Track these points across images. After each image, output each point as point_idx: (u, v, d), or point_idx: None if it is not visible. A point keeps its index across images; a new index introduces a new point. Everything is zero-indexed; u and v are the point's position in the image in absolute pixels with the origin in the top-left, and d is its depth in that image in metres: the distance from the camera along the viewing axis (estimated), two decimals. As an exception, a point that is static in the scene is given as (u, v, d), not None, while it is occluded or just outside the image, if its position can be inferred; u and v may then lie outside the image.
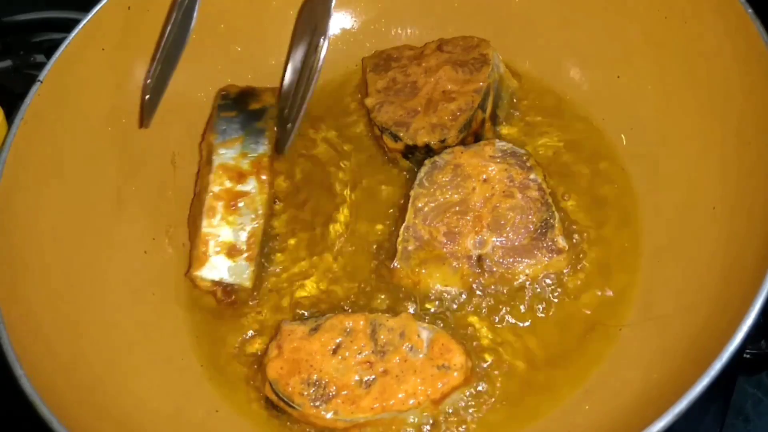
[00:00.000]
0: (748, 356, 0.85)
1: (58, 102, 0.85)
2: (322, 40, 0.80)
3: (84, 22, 0.87)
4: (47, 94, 0.83)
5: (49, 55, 0.86)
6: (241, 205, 0.85)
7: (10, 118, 0.87)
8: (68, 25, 0.88)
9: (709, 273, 0.75)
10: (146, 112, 0.86)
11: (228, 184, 0.85)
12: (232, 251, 0.84)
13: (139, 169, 0.92)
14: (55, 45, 0.86)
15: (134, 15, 0.91)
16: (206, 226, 0.83)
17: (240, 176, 0.86)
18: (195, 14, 0.81)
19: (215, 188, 0.85)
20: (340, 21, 1.05)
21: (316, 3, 0.85)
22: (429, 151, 0.89)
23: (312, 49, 0.83)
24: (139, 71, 0.93)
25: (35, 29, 1.18)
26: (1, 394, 0.73)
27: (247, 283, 0.84)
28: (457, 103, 0.89)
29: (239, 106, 0.92)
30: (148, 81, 0.85)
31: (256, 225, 0.85)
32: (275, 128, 0.90)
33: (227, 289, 0.84)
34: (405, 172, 0.93)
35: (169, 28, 0.85)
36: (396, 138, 0.90)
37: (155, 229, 0.91)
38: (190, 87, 0.97)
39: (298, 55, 0.85)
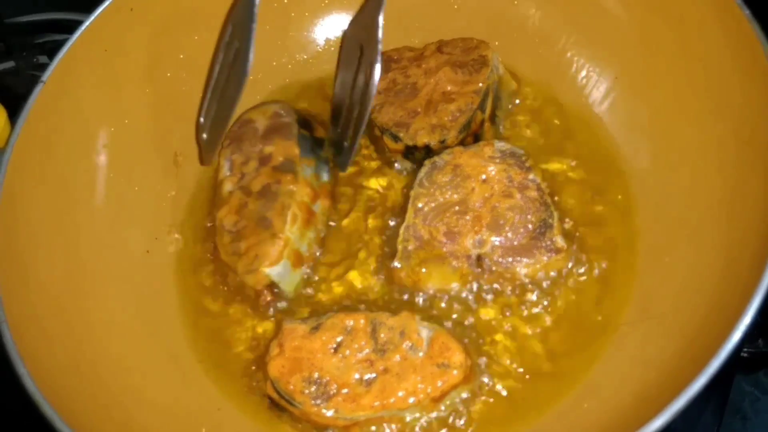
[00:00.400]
0: (745, 355, 0.86)
1: (61, 103, 0.85)
2: (374, 62, 0.81)
3: (87, 23, 0.88)
4: (50, 95, 0.84)
5: (51, 56, 0.86)
6: (312, 221, 0.88)
7: (13, 118, 0.88)
8: (71, 27, 0.88)
9: (708, 272, 0.75)
10: (205, 151, 0.90)
11: (306, 198, 0.88)
12: (298, 260, 0.86)
13: (141, 168, 0.92)
14: (57, 46, 0.86)
15: (137, 16, 0.91)
16: (289, 230, 0.84)
17: (314, 195, 0.89)
18: (251, 56, 0.82)
19: (299, 198, 0.87)
20: (340, 21, 1.05)
21: (362, 24, 0.85)
22: (429, 152, 0.89)
23: (362, 71, 0.83)
24: (142, 72, 0.93)
25: (38, 30, 1.19)
26: (3, 392, 0.74)
27: (291, 295, 0.86)
28: (457, 104, 0.90)
29: (309, 129, 0.94)
30: (201, 119, 0.89)
31: (315, 245, 0.88)
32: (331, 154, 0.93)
33: (276, 292, 0.85)
34: (405, 172, 0.93)
35: (218, 67, 0.87)
36: (396, 138, 0.91)
37: (157, 228, 0.92)
38: (193, 87, 0.98)
39: (348, 76, 0.86)
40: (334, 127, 0.89)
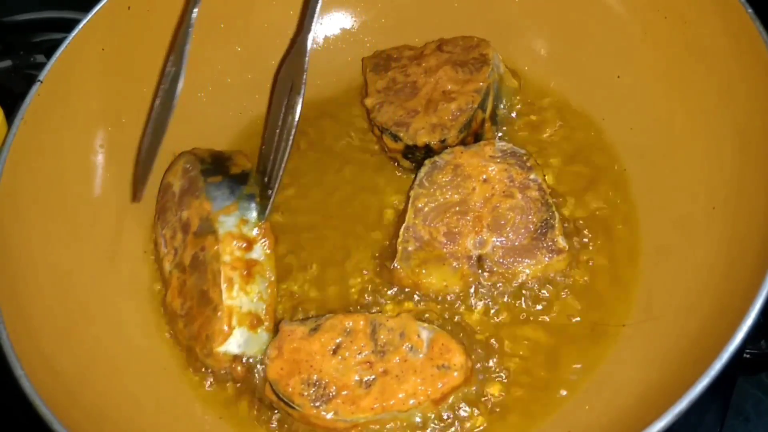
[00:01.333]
0: (748, 356, 0.85)
1: (58, 102, 0.85)
2: (297, 97, 0.79)
3: (84, 22, 0.87)
4: (47, 94, 0.83)
5: (49, 55, 0.86)
6: (254, 273, 0.81)
7: (10, 117, 0.87)
8: (68, 25, 0.88)
9: (709, 273, 0.75)
10: (134, 185, 0.85)
11: (237, 253, 0.80)
12: (253, 323, 0.79)
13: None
14: (55, 45, 0.86)
15: (134, 15, 0.91)
16: (227, 299, 0.78)
17: (248, 244, 0.82)
18: (181, 81, 0.80)
19: (227, 258, 0.80)
20: (340, 21, 1.05)
21: (293, 60, 0.84)
22: (429, 151, 0.89)
23: (289, 108, 0.81)
24: (140, 71, 0.93)
25: (35, 29, 1.18)
26: (1, 395, 0.73)
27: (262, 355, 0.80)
28: (457, 103, 0.89)
29: (221, 170, 0.86)
30: (142, 155, 0.84)
31: (270, 292, 0.82)
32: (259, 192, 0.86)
33: (246, 363, 0.79)
34: (405, 172, 0.93)
35: (158, 100, 0.83)
36: (396, 138, 0.90)
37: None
38: (191, 87, 0.97)
39: (276, 116, 0.83)
40: (261, 177, 0.85)
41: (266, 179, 0.84)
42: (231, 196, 0.84)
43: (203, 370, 0.81)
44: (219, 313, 0.77)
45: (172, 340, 0.84)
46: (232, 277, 0.79)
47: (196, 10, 0.82)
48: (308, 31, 0.84)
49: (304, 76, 0.81)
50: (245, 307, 0.79)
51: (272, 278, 0.82)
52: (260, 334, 0.80)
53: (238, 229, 0.82)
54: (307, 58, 0.82)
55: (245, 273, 0.80)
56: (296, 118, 0.80)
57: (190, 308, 0.81)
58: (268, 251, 0.83)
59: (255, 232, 0.83)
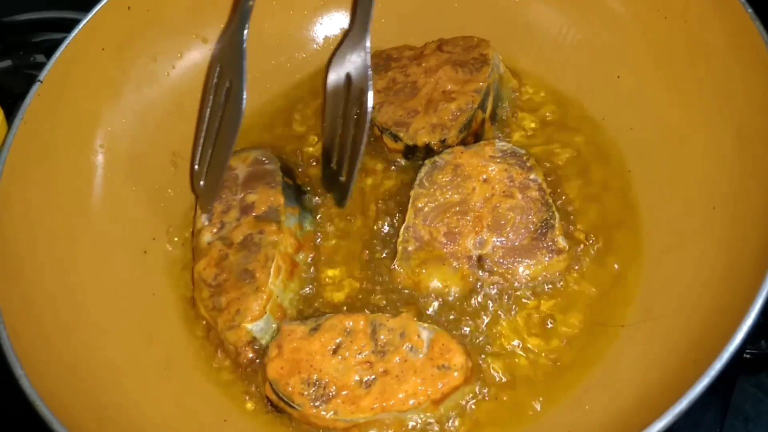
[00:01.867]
0: (748, 356, 0.85)
1: (58, 102, 0.85)
2: (366, 93, 0.79)
3: (84, 22, 0.87)
4: (47, 94, 0.83)
5: (49, 55, 0.86)
6: (295, 273, 0.85)
7: (9, 117, 0.87)
8: (68, 25, 0.88)
9: (710, 273, 0.75)
10: (204, 198, 0.86)
11: (290, 249, 0.85)
12: (279, 315, 0.82)
13: (139, 168, 0.92)
14: (55, 45, 0.86)
15: (134, 15, 0.91)
16: (271, 283, 0.81)
17: (298, 247, 0.86)
18: (244, 96, 0.80)
19: (282, 248, 0.83)
20: (339, 21, 1.05)
21: (348, 51, 0.84)
22: (429, 151, 0.89)
23: (353, 102, 0.82)
24: (138, 72, 0.93)
25: (35, 29, 1.18)
26: (1, 394, 0.73)
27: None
28: (457, 103, 0.89)
29: (293, 176, 0.92)
30: (196, 166, 0.86)
31: (297, 298, 0.85)
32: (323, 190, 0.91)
33: (256, 349, 0.81)
34: (405, 173, 0.93)
35: (208, 110, 0.85)
36: (396, 138, 0.90)
37: (155, 229, 0.91)
38: (192, 87, 0.97)
39: (337, 109, 0.84)
40: (327, 164, 0.87)
41: (334, 167, 0.85)
42: (296, 202, 0.89)
43: (218, 351, 0.83)
44: (260, 293, 0.80)
45: (171, 340, 0.84)
46: (282, 267, 0.83)
47: (247, 26, 0.83)
48: (366, 27, 0.83)
49: (369, 72, 0.81)
50: (281, 299, 0.82)
51: (305, 286, 0.86)
52: (275, 327, 0.82)
53: (295, 229, 0.86)
54: (369, 55, 0.82)
55: (290, 270, 0.84)
56: (369, 112, 0.79)
57: (225, 281, 0.82)
58: (309, 261, 0.87)
59: (301, 237, 0.87)
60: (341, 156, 0.84)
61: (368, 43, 0.82)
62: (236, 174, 0.90)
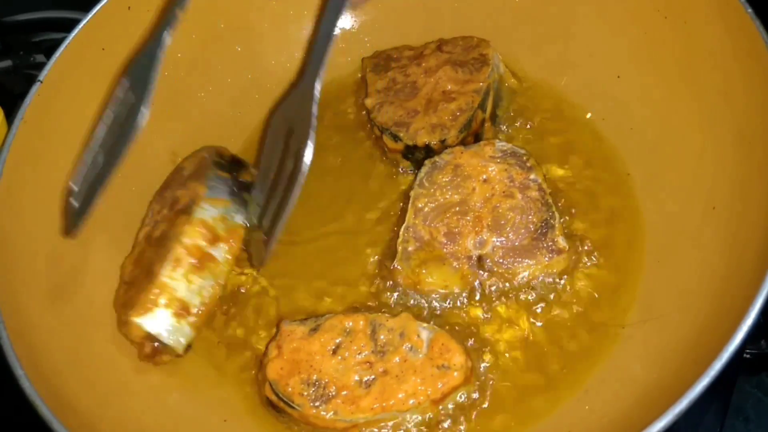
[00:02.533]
0: (748, 356, 0.85)
1: (58, 102, 0.85)
2: (304, 147, 0.74)
3: (84, 22, 0.87)
4: (47, 94, 0.83)
5: (49, 55, 0.86)
6: (205, 267, 0.80)
7: (9, 117, 0.87)
8: (68, 25, 0.88)
9: (710, 273, 0.75)
10: (71, 220, 0.77)
11: (201, 242, 0.80)
12: (180, 311, 0.78)
13: (138, 168, 0.92)
14: (55, 45, 0.86)
15: (134, 15, 0.91)
16: (165, 275, 0.77)
17: (214, 239, 0.81)
18: (143, 116, 0.74)
19: (187, 240, 0.79)
20: (340, 21, 1.04)
21: (292, 103, 0.79)
22: (429, 152, 0.89)
23: (289, 155, 0.77)
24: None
25: (35, 29, 1.18)
26: (1, 394, 0.73)
27: (180, 350, 0.79)
28: (457, 103, 0.89)
29: (232, 171, 0.87)
30: (72, 185, 0.77)
31: (212, 293, 0.81)
32: (250, 228, 0.85)
33: (157, 347, 0.78)
34: (405, 173, 0.93)
35: (102, 126, 0.77)
36: (396, 138, 0.90)
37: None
38: (191, 86, 0.98)
39: (273, 160, 0.79)
40: (253, 214, 0.82)
41: (258, 221, 0.81)
42: (227, 194, 0.84)
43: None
44: (150, 287, 0.77)
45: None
46: (182, 259, 0.79)
47: (168, 31, 0.77)
48: (316, 75, 0.78)
49: (313, 122, 0.76)
50: (180, 293, 0.78)
51: (222, 282, 0.82)
52: (183, 326, 0.79)
53: (214, 221, 0.82)
54: (315, 106, 0.77)
55: (197, 262, 0.79)
56: (305, 170, 0.75)
57: (136, 277, 0.81)
58: (229, 257, 0.83)
59: (223, 230, 0.82)
60: (267, 212, 0.79)
61: (317, 93, 0.77)
62: (183, 174, 0.88)
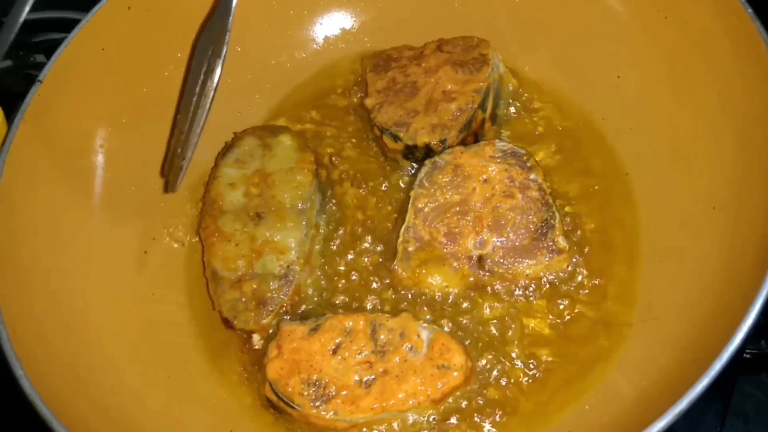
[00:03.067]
0: (748, 356, 0.85)
1: (58, 102, 0.85)
2: (217, 60, 0.74)
3: (84, 22, 0.87)
4: (47, 94, 0.83)
5: (49, 55, 0.86)
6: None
7: (9, 118, 0.87)
8: (68, 25, 0.88)
9: (710, 273, 0.75)
10: (175, 179, 0.81)
11: None
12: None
13: (138, 168, 0.92)
14: (55, 45, 0.86)
15: (134, 15, 0.91)
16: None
17: None
18: (218, 73, 0.76)
19: None
20: (340, 21, 1.05)
21: (215, 22, 0.80)
22: (429, 152, 0.89)
23: (208, 73, 0.76)
24: (140, 71, 0.93)
25: (35, 29, 1.18)
26: (1, 394, 0.73)
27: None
28: (457, 103, 0.89)
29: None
30: (177, 149, 0.80)
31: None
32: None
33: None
34: (405, 173, 0.93)
35: (195, 88, 0.80)
36: (396, 138, 0.90)
37: (155, 229, 0.91)
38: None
39: (194, 82, 0.79)
40: (174, 143, 0.82)
41: (176, 147, 0.80)
42: None
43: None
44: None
45: (172, 340, 0.84)
46: None
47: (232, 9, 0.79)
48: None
49: (227, 37, 0.76)
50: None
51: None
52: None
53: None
54: (231, 18, 0.78)
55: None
56: (215, 84, 0.75)
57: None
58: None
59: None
60: (187, 135, 0.79)
61: (232, 5, 0.78)
62: None
